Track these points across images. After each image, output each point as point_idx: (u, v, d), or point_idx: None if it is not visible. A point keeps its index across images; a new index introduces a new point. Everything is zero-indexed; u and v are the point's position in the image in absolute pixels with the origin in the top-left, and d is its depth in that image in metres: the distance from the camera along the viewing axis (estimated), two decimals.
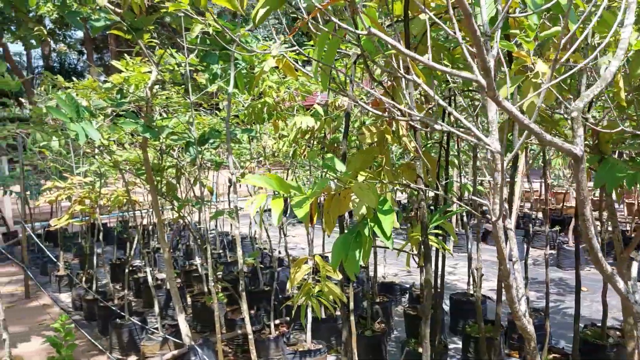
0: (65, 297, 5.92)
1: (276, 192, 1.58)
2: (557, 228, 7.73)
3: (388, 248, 1.60)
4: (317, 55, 1.39)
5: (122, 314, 4.25)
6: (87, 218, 5.28)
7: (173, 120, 4.07)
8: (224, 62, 3.12)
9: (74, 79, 4.10)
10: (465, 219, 5.59)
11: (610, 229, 6.98)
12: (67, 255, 7.35)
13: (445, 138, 2.98)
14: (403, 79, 1.48)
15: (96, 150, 4.79)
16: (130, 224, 6.96)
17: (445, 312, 4.30)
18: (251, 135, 4.11)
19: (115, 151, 4.27)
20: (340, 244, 1.52)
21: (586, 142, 1.97)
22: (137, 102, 3.49)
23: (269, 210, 1.55)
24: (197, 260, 5.61)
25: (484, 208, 9.28)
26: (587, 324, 3.78)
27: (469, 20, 0.68)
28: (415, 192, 2.32)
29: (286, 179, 4.92)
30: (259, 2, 1.13)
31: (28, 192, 6.98)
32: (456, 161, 4.18)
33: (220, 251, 6.76)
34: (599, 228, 3.93)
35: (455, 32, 0.86)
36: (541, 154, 3.69)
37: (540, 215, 8.65)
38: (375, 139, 1.88)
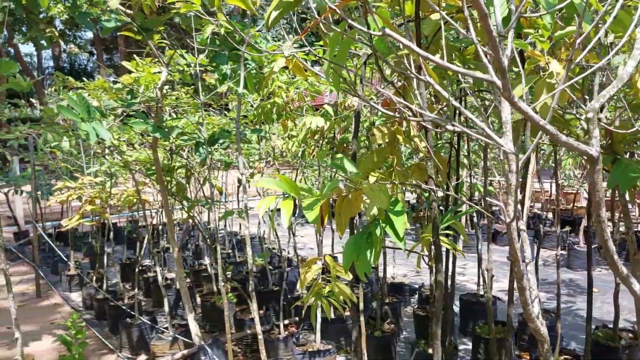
0: (76, 296, 5.96)
1: (285, 194, 1.58)
2: (567, 228, 7.68)
3: (398, 249, 1.60)
4: (328, 55, 1.39)
5: (132, 313, 4.27)
6: (97, 218, 5.32)
7: (183, 121, 4.09)
8: (234, 62, 3.13)
9: (84, 79, 4.13)
10: (475, 219, 5.56)
11: (622, 229, 6.93)
12: (77, 254, 7.40)
13: (455, 138, 2.97)
14: (415, 79, 1.47)
15: (106, 151, 4.83)
16: (140, 224, 7.00)
17: (454, 313, 4.28)
18: (260, 135, 4.12)
19: (125, 151, 4.29)
20: (351, 245, 1.52)
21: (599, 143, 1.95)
22: (147, 103, 3.51)
23: (278, 210, 1.55)
24: (206, 260, 5.63)
25: (494, 208, 9.24)
26: (598, 326, 3.75)
27: (485, 21, 0.68)
28: (426, 193, 2.32)
29: (295, 179, 4.93)
30: (271, 5, 1.13)
31: (39, 192, 7.04)
32: (466, 161, 4.17)
33: (229, 251, 6.78)
34: (610, 229, 3.91)
35: (469, 33, 0.85)
36: (552, 154, 3.66)
37: (550, 215, 8.59)
38: (387, 140, 1.88)
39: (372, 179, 1.72)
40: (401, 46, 1.65)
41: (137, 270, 4.61)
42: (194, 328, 3.60)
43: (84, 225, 7.23)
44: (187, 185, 4.19)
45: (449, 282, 3.36)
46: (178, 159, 4.33)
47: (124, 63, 3.73)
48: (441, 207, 3.46)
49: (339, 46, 1.43)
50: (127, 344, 4.16)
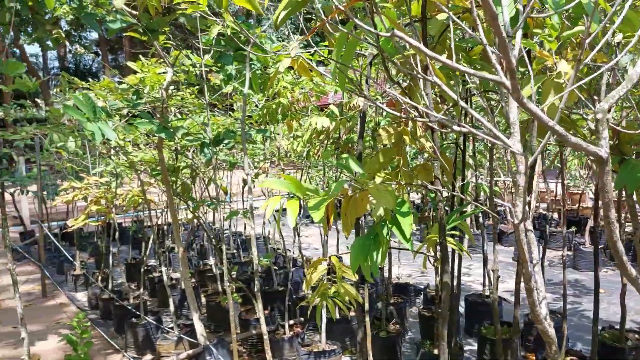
0: (82, 296, 5.98)
1: (291, 194, 1.58)
2: (573, 229, 7.65)
3: (404, 249, 1.59)
4: (335, 55, 1.39)
5: (138, 313, 4.28)
6: (103, 218, 5.33)
7: (188, 121, 4.09)
8: (239, 63, 3.13)
9: (90, 79, 4.15)
10: (480, 219, 5.54)
11: (627, 230, 6.88)
12: (83, 254, 7.42)
13: (461, 139, 2.96)
14: (421, 80, 1.47)
15: (112, 151, 4.84)
16: (145, 224, 7.01)
17: (460, 313, 4.28)
18: (265, 135, 4.12)
19: (130, 152, 4.30)
20: (358, 247, 1.52)
21: None
22: (152, 103, 3.52)
23: (284, 209, 1.55)
24: (211, 260, 5.64)
25: (499, 208, 9.21)
26: (605, 326, 3.73)
27: (495, 23, 0.67)
28: (432, 193, 2.31)
29: (299, 179, 4.93)
30: (280, 5, 1.13)
31: (45, 192, 7.07)
32: (471, 161, 4.15)
33: (234, 251, 6.78)
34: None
35: (478, 34, 0.85)
36: (558, 154, 3.65)
37: (555, 216, 8.56)
38: (393, 140, 1.87)
39: (378, 180, 1.71)
40: (408, 46, 1.65)
41: (142, 270, 4.63)
42: (200, 328, 3.60)
43: (89, 225, 7.26)
44: (192, 185, 4.19)
45: (455, 283, 3.36)
46: (183, 159, 4.34)
47: (129, 63, 3.74)
48: (446, 208, 3.46)
49: (346, 46, 1.43)
50: (133, 343, 4.17)
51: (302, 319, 4.26)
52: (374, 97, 3.87)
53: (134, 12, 2.88)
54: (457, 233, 2.57)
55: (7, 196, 8.29)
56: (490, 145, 2.93)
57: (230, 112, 5.04)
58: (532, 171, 2.22)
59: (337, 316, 4.08)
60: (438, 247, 2.19)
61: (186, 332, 4.01)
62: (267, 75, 3.29)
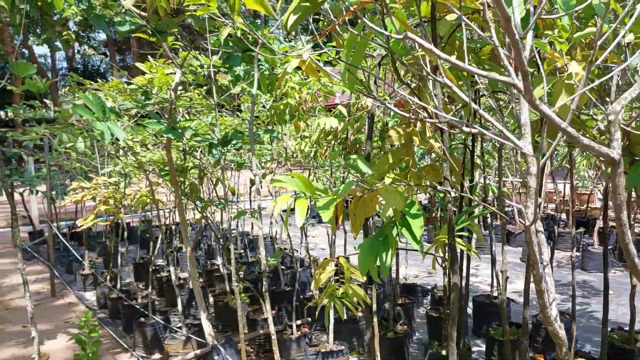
0: (90, 296, 6.02)
1: (297, 193, 1.58)
2: (581, 230, 7.61)
3: (413, 250, 1.59)
4: (345, 56, 1.39)
5: (146, 312, 4.30)
6: (111, 218, 5.36)
7: (195, 122, 4.11)
8: (247, 63, 3.14)
9: (98, 80, 4.17)
10: (489, 220, 5.53)
11: (637, 230, 6.82)
12: (91, 254, 7.47)
13: (470, 139, 2.96)
14: (431, 81, 1.47)
15: (120, 151, 4.87)
16: (153, 224, 7.05)
17: (467, 314, 4.27)
18: (273, 136, 4.13)
19: (139, 152, 4.33)
20: (367, 248, 1.52)
21: None
22: (161, 104, 3.53)
23: (292, 209, 1.56)
24: (219, 260, 5.66)
25: (507, 209, 9.17)
26: (614, 328, 3.71)
27: (508, 25, 0.67)
28: (441, 194, 2.31)
29: None
30: (290, 8, 1.13)
31: (54, 192, 7.11)
32: (479, 161, 4.14)
33: (241, 251, 6.80)
34: None
35: (491, 36, 0.85)
36: (566, 155, 3.63)
37: (564, 216, 8.52)
38: (402, 141, 1.87)
39: (387, 180, 1.71)
40: (417, 47, 1.65)
41: (150, 269, 4.65)
42: (207, 328, 3.61)
43: (97, 225, 7.30)
44: (200, 185, 4.21)
45: (463, 284, 3.35)
46: (191, 159, 4.36)
47: (138, 64, 3.76)
48: (454, 208, 3.44)
49: (355, 48, 1.43)
50: (141, 343, 4.19)
51: (309, 319, 4.27)
52: (382, 98, 3.87)
53: (142, 13, 2.89)
54: (466, 234, 2.57)
55: (16, 196, 8.36)
56: (499, 145, 2.93)
57: (238, 113, 5.06)
58: (542, 172, 2.21)
59: (345, 316, 4.08)
60: (447, 248, 2.19)
61: (194, 331, 4.02)
62: (275, 75, 3.30)
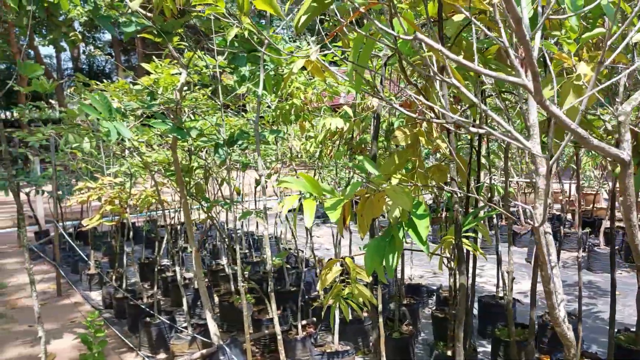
0: (96, 295, 6.04)
1: (302, 193, 1.58)
2: (587, 230, 7.58)
3: (419, 251, 1.59)
4: (352, 57, 1.39)
5: (152, 312, 4.31)
6: (117, 218, 5.38)
7: (201, 122, 4.12)
8: (252, 64, 3.15)
9: (104, 80, 4.19)
10: (495, 220, 5.52)
11: None
12: (97, 254, 7.49)
13: (476, 139, 2.95)
14: (438, 81, 1.47)
15: (126, 152, 4.88)
16: (158, 224, 7.06)
17: (473, 315, 4.26)
18: (279, 136, 4.14)
19: (144, 152, 4.34)
20: (374, 248, 1.52)
21: None
22: (167, 104, 3.55)
23: (294, 210, 1.56)
24: (224, 260, 5.66)
25: (512, 209, 9.14)
26: (620, 329, 3.69)
27: (519, 26, 0.67)
28: (448, 194, 2.30)
29: None
30: (300, 9, 1.13)
31: (60, 192, 7.14)
32: (484, 161, 4.13)
33: (246, 251, 6.81)
34: None
35: (496, 35, 0.85)
36: (573, 155, 3.61)
37: (569, 216, 8.48)
38: (409, 141, 1.87)
39: (394, 181, 1.71)
40: (424, 47, 1.64)
41: (156, 269, 4.66)
42: (213, 328, 3.62)
43: (103, 225, 7.33)
44: (206, 185, 4.22)
45: (469, 284, 3.34)
46: (196, 159, 4.37)
47: (143, 64, 3.77)
48: (460, 209, 3.43)
49: (362, 48, 1.43)
50: (147, 342, 4.21)
51: (314, 319, 4.27)
52: (387, 98, 3.86)
53: (148, 14, 2.90)
54: (473, 235, 2.56)
55: (22, 196, 8.40)
56: (505, 146, 2.92)
57: (243, 113, 5.07)
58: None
59: (350, 317, 4.08)
60: (453, 248, 2.19)
61: (199, 331, 4.03)
62: (281, 76, 3.30)
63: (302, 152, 4.85)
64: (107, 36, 32.41)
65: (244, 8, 1.85)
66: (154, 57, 3.82)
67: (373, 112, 3.04)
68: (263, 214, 2.88)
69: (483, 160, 3.91)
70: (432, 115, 1.71)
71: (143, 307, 4.52)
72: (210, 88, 4.12)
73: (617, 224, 7.09)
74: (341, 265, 2.37)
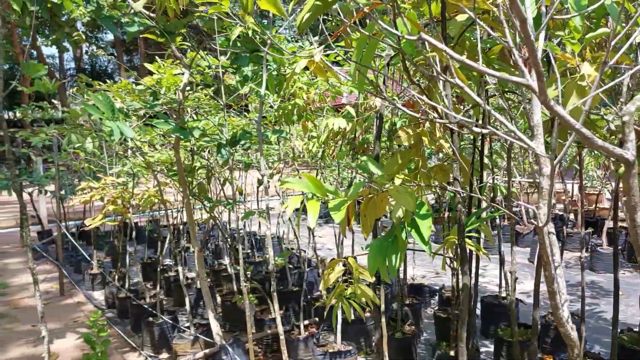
0: (99, 295, 6.05)
1: (305, 194, 1.58)
2: (589, 230, 7.56)
3: (421, 251, 1.59)
4: (355, 57, 1.39)
5: (154, 312, 4.32)
6: (119, 217, 5.39)
7: (203, 122, 4.12)
8: (255, 64, 3.15)
9: (106, 80, 4.20)
10: (497, 220, 5.51)
11: None
12: (100, 253, 7.51)
13: (479, 139, 2.95)
14: (441, 81, 1.47)
15: (129, 152, 4.89)
16: (161, 224, 7.07)
17: (475, 315, 4.26)
18: (281, 136, 4.14)
19: (147, 152, 4.34)
20: (376, 248, 1.52)
21: None
22: (169, 104, 3.55)
23: (297, 210, 1.56)
24: (226, 260, 5.67)
25: (514, 209, 9.14)
26: (623, 329, 3.68)
27: (524, 26, 0.67)
28: (450, 194, 2.30)
29: None
30: (304, 8, 1.13)
31: (62, 192, 7.16)
32: (487, 161, 4.13)
33: (248, 251, 6.82)
34: None
35: (499, 35, 0.85)
36: (576, 155, 3.61)
37: (572, 216, 8.47)
38: (412, 141, 1.87)
39: (397, 181, 1.71)
40: (427, 47, 1.64)
41: (158, 269, 4.67)
42: (216, 327, 3.62)
43: (106, 225, 7.34)
44: (208, 185, 4.22)
45: (472, 284, 3.34)
46: (199, 159, 4.37)
47: (146, 64, 3.78)
48: (463, 209, 3.43)
49: (365, 48, 1.43)
50: (149, 342, 4.21)
51: (317, 319, 4.27)
52: (390, 97, 3.86)
53: (151, 14, 2.91)
54: (476, 235, 2.56)
55: (25, 196, 8.42)
56: (507, 146, 2.91)
57: (246, 113, 5.07)
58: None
59: (352, 317, 4.08)
60: (456, 248, 2.19)
61: (202, 331, 4.03)
62: (283, 76, 3.30)
63: (305, 152, 4.85)
64: (110, 36, 32.47)
65: (248, 8, 1.85)
66: (156, 57, 3.83)
67: (376, 112, 3.04)
68: (265, 214, 2.88)
69: (486, 160, 3.91)
70: (435, 115, 1.71)
71: (146, 306, 4.52)
72: (212, 88, 4.12)
73: (620, 224, 7.08)
74: (344, 265, 2.37)
